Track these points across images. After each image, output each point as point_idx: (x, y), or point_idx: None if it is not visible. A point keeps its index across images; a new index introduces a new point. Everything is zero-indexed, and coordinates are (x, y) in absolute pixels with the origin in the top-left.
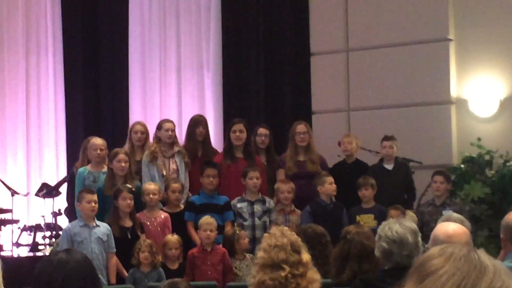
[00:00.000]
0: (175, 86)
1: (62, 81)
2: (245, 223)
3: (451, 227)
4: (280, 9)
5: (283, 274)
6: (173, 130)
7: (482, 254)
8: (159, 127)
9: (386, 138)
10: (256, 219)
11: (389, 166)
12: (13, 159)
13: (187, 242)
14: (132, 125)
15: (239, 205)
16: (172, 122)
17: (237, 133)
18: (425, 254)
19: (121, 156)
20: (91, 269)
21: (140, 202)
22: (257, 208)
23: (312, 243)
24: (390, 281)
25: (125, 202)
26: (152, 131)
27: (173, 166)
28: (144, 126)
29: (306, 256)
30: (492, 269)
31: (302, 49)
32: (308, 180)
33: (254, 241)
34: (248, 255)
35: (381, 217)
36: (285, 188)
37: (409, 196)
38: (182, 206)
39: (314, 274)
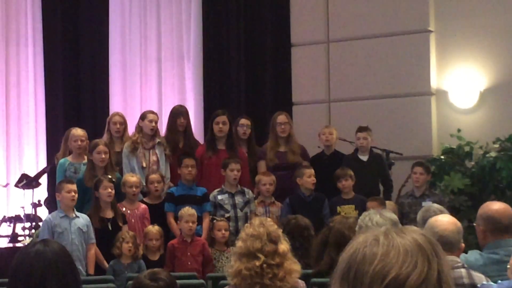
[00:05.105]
0: (156, 77)
1: (42, 71)
2: (227, 215)
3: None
4: (261, 0)
5: (257, 263)
6: (156, 122)
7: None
8: (143, 117)
9: (360, 129)
10: (238, 210)
11: (364, 157)
12: None
13: (166, 233)
14: (110, 116)
15: (219, 197)
16: (156, 114)
17: (220, 125)
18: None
19: (101, 147)
20: (69, 259)
21: (119, 193)
22: (238, 199)
23: (293, 234)
24: None
25: (106, 191)
26: (132, 122)
27: (153, 157)
28: (123, 117)
29: (283, 247)
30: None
31: (283, 40)
32: (289, 171)
33: (237, 233)
34: (230, 248)
35: (361, 207)
36: (266, 180)
37: (386, 187)
38: (163, 198)
39: (292, 265)
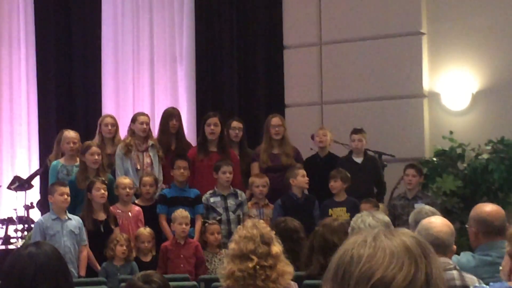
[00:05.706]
0: (148, 79)
1: (35, 73)
2: (219, 218)
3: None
4: (253, 2)
5: (250, 265)
6: (148, 124)
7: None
8: (134, 120)
9: (355, 131)
10: (231, 213)
11: (358, 159)
12: None
13: (158, 235)
14: (102, 117)
15: (212, 199)
16: (146, 115)
17: (212, 127)
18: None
19: (94, 149)
20: (62, 261)
21: (112, 195)
22: (230, 202)
23: (282, 237)
24: None
25: (99, 192)
26: (125, 124)
27: (147, 160)
28: (114, 118)
29: (276, 248)
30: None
31: (275, 42)
32: (282, 173)
33: (230, 235)
34: (223, 251)
35: (353, 210)
36: (259, 182)
37: (380, 190)
38: (154, 200)
39: (285, 267)
